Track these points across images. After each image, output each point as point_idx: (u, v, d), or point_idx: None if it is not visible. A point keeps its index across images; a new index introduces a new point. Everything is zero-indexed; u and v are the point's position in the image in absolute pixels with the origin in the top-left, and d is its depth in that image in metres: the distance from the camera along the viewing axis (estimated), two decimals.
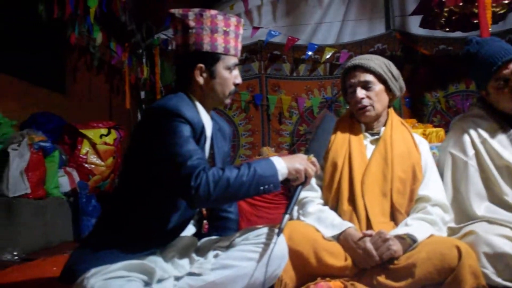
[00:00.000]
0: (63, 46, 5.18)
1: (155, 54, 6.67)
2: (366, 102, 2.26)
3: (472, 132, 2.34)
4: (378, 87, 2.27)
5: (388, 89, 2.30)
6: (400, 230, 2.07)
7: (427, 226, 2.10)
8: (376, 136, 2.32)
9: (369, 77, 2.26)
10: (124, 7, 5.57)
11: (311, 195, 2.27)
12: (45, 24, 4.59)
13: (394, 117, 2.37)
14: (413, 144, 2.31)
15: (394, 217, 2.18)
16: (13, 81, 4.29)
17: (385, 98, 2.31)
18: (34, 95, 4.58)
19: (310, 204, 2.21)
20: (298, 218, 2.20)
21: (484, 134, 2.33)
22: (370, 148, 2.30)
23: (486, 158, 2.30)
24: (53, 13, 4.49)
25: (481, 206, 2.24)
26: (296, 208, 2.24)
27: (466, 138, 2.34)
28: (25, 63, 4.54)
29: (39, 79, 4.73)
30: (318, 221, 2.12)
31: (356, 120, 2.36)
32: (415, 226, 2.08)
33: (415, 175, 2.22)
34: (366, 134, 2.33)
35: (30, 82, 4.54)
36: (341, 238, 2.05)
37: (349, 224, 2.08)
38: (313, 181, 2.25)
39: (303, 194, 2.23)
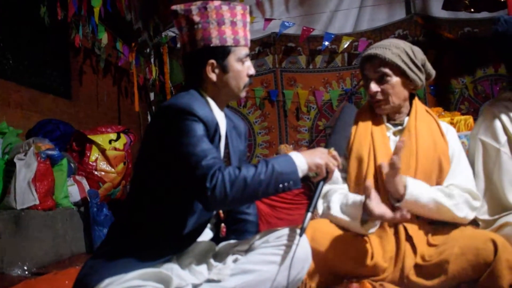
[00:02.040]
0: (67, 49, 5.22)
1: (164, 53, 6.71)
2: (380, 96, 2.21)
3: (504, 117, 2.29)
4: (395, 79, 2.20)
5: (408, 80, 2.22)
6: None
7: (436, 191, 2.08)
8: (400, 127, 2.28)
9: (384, 69, 2.19)
10: (129, 5, 5.59)
11: (335, 187, 2.22)
12: (47, 27, 4.62)
13: (418, 106, 2.31)
14: (440, 134, 2.26)
15: None
16: (16, 88, 4.32)
17: (403, 91, 2.23)
18: (39, 101, 4.62)
19: (333, 195, 2.16)
20: (324, 211, 2.16)
21: None
22: (393, 139, 2.25)
23: None
24: (56, 15, 4.52)
25: None
26: (321, 201, 2.19)
27: (498, 123, 2.29)
28: (28, 69, 4.58)
29: (44, 85, 4.78)
30: (342, 211, 2.08)
31: None
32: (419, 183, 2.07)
33: (441, 168, 2.18)
34: (388, 125, 2.28)
35: (34, 88, 4.58)
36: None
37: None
38: (337, 174, 2.22)
39: (327, 187, 2.17)
